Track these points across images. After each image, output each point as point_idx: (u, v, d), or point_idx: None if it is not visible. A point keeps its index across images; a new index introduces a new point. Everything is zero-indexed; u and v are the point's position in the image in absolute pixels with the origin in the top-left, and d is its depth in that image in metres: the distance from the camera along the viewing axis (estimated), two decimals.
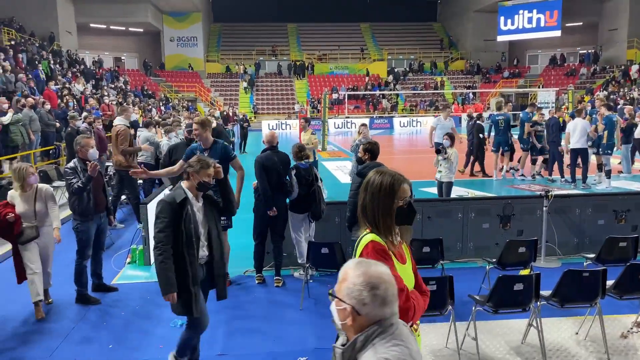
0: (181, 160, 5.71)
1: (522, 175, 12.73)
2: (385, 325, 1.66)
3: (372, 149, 5.46)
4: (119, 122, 8.87)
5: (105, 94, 22.68)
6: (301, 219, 6.35)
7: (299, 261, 6.50)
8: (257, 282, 6.28)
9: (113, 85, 27.17)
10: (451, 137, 8.35)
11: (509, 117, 13.05)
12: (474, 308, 4.28)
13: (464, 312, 4.89)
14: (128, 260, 7.17)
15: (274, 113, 36.82)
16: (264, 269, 6.43)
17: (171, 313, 5.43)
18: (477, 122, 13.39)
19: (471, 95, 38.00)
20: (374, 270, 1.69)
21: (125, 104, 19.71)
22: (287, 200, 6.27)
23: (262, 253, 6.32)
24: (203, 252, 3.99)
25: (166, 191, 7.50)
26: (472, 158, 13.50)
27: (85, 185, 5.51)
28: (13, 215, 5.31)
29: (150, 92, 31.82)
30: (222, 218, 5.19)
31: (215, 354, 4.59)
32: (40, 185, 5.62)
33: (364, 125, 9.78)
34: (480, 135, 13.10)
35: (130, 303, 5.80)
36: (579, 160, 11.45)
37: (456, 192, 10.29)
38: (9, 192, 5.58)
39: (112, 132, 8.90)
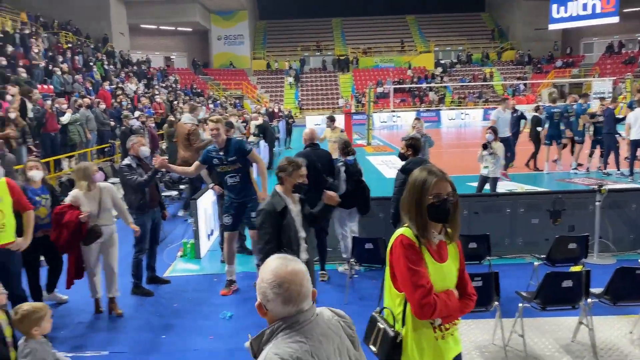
0: (197, 162, 5.90)
1: (587, 169, 12.29)
2: (290, 322, 1.71)
3: (414, 145, 5.43)
4: (187, 120, 8.79)
5: (157, 92, 23.41)
6: (347, 214, 6.39)
7: (344, 256, 6.56)
8: None
9: (163, 84, 27.99)
10: (494, 130, 8.38)
11: (565, 109, 12.59)
12: (521, 305, 4.22)
13: (511, 308, 4.80)
14: (180, 253, 7.42)
15: (318, 108, 36.96)
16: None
17: (221, 305, 5.65)
18: (535, 114, 13.07)
19: (522, 87, 36.91)
20: (284, 268, 1.73)
21: (192, 102, 20.31)
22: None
23: None
24: (304, 255, 3.94)
25: (210, 191, 7.68)
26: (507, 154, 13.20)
27: (150, 179, 5.82)
28: (85, 215, 5.15)
29: (199, 91, 32.58)
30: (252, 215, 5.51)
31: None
32: (102, 183, 5.49)
33: (417, 119, 9.39)
34: (538, 129, 12.72)
35: (182, 295, 6.02)
36: (639, 153, 10.96)
37: (505, 186, 10.07)
38: (71, 193, 5.36)
39: (180, 130, 8.81)
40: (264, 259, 3.52)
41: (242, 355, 4.52)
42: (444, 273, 2.40)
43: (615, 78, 30.09)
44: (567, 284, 3.95)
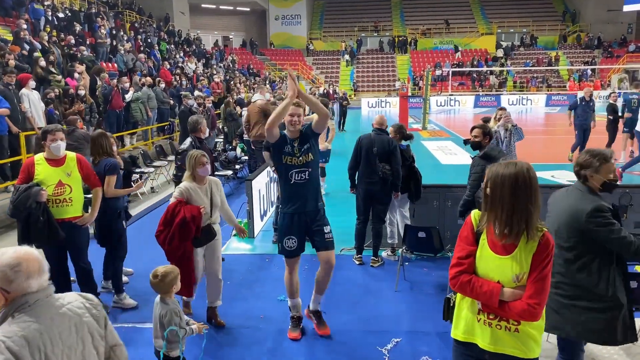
0: (265, 152, 5.90)
1: None
2: (19, 304, 1.82)
3: (490, 132, 5.29)
4: (258, 97, 9.92)
5: (215, 72, 23.83)
6: (398, 199, 6.32)
7: (389, 241, 6.51)
8: (356, 263, 6.36)
9: (221, 64, 28.44)
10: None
11: None
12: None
13: None
14: (233, 232, 7.59)
15: (374, 90, 36.58)
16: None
17: (272, 286, 5.73)
18: (610, 101, 12.53)
19: (589, 72, 35.06)
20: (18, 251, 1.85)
21: (260, 82, 20.57)
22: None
23: (362, 233, 6.38)
24: None
25: (264, 172, 7.79)
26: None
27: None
28: (204, 208, 4.58)
29: (255, 71, 32.92)
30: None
31: (312, 328, 4.77)
32: (211, 177, 4.85)
33: (502, 109, 7.76)
34: (610, 117, 12.15)
35: (234, 274, 6.16)
36: None
37: (566, 176, 9.67)
38: (183, 184, 4.65)
39: (252, 109, 9.70)
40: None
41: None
42: (495, 265, 2.44)
43: None
44: (632, 285, 3.75)
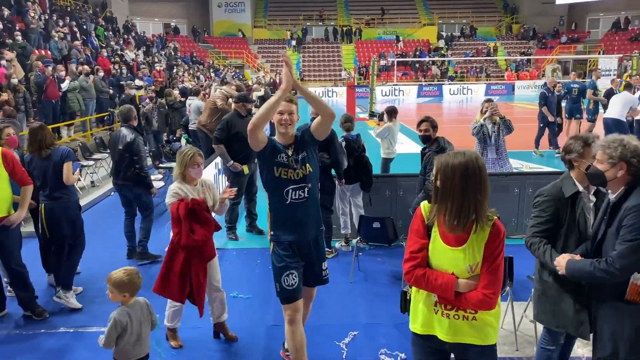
0: (219, 144, 5.79)
1: None
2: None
3: (436, 124, 5.27)
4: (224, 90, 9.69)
5: (156, 60, 23.01)
6: (349, 190, 6.28)
7: (342, 232, 6.47)
8: None
9: (163, 52, 27.51)
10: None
11: (586, 85, 12.27)
12: (533, 289, 4.13)
13: (523, 292, 4.75)
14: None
15: (320, 80, 36.53)
16: None
17: (225, 283, 5.54)
18: (543, 91, 12.73)
19: (526, 62, 36.45)
20: None
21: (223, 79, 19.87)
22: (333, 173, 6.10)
23: None
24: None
25: (210, 166, 7.55)
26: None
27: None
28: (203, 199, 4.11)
29: (199, 59, 32.09)
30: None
31: (268, 324, 4.65)
32: (205, 178, 4.34)
33: (489, 100, 7.15)
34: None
35: None
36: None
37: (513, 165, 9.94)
38: (174, 185, 4.12)
39: (213, 98, 9.53)
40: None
41: (246, 334, 4.47)
42: (448, 257, 2.43)
43: (621, 55, 29.67)
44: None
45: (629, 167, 2.64)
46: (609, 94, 11.47)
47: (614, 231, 2.67)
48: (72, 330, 4.60)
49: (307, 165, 3.39)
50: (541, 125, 11.78)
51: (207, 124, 9.08)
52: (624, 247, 2.57)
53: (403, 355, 4.08)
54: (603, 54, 33.19)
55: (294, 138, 3.44)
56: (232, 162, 6.55)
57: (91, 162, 10.34)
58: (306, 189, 3.37)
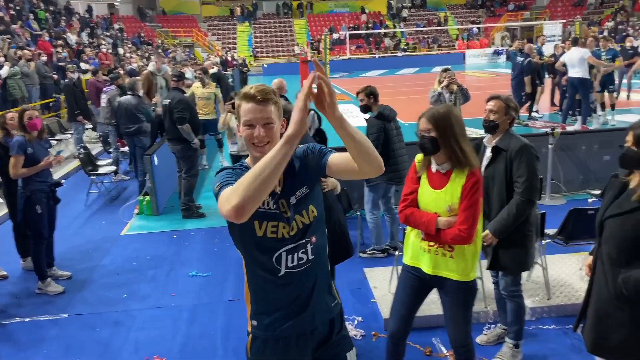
0: (185, 124, 5.69)
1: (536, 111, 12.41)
2: None
3: (374, 92, 5.33)
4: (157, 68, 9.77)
5: (102, 42, 22.21)
6: None
7: None
8: None
9: (108, 34, 26.56)
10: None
11: (617, 53, 12.00)
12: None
13: None
14: (136, 211, 7.24)
15: (274, 56, 36.11)
16: None
17: (181, 262, 5.58)
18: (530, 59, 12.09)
19: (475, 30, 36.99)
20: None
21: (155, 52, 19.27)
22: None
23: None
24: None
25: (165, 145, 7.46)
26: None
27: None
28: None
29: (147, 40, 31.13)
30: None
31: (227, 299, 4.71)
32: None
33: (446, 70, 7.02)
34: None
35: (141, 253, 5.91)
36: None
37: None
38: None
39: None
40: None
41: (206, 311, 4.54)
42: (432, 198, 2.80)
43: (564, 21, 30.51)
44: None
45: None
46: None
47: None
48: (27, 320, 4.55)
49: (311, 207, 2.02)
50: (523, 95, 11.68)
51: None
52: None
53: (360, 319, 4.23)
54: (549, 20, 34.00)
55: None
56: (196, 140, 6.76)
57: None
58: (309, 248, 2.01)
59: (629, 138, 2.40)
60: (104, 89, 9.43)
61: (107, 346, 4.08)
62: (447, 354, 3.73)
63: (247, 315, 2.13)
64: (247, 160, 2.04)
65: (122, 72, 11.98)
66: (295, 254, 1.99)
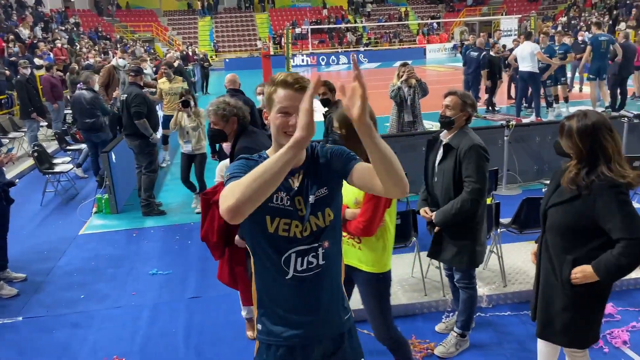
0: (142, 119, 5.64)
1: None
2: None
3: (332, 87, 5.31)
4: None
5: (57, 37, 21.50)
6: None
7: None
8: None
9: (63, 28, 25.74)
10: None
11: (613, 39, 12.03)
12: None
13: (428, 243, 5.05)
14: (94, 210, 7.08)
15: (236, 51, 35.75)
16: None
17: (141, 260, 5.50)
18: (491, 54, 12.44)
19: (435, 25, 37.51)
20: None
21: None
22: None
23: None
24: None
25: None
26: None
27: None
28: None
29: (105, 34, 30.31)
30: None
31: (188, 297, 4.67)
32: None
33: (404, 64, 7.01)
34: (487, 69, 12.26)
35: (100, 252, 5.79)
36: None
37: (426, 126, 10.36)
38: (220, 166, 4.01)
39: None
40: None
41: (167, 309, 4.49)
42: (345, 191, 2.73)
43: (520, 16, 31.25)
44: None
45: None
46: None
47: None
48: None
49: (328, 211, 1.93)
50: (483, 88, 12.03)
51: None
52: None
53: None
54: (505, 15, 34.77)
55: (306, 158, 1.93)
56: (154, 134, 6.64)
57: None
58: (320, 253, 1.91)
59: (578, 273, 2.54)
60: (78, 86, 9.21)
61: (64, 349, 3.99)
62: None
63: (255, 317, 2.09)
64: (269, 151, 1.91)
65: (76, 67, 11.66)
66: (305, 258, 1.89)
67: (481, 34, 14.49)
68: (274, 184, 1.55)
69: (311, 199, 1.88)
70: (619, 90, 11.34)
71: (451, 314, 4.12)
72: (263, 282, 1.96)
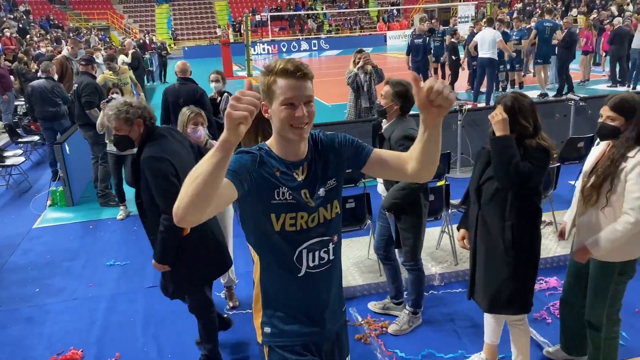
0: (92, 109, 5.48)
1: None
2: None
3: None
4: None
5: (7, 26, 20.67)
6: None
7: None
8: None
9: (12, 16, 24.76)
10: None
11: (558, 24, 12.43)
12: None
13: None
14: (49, 202, 6.93)
15: (194, 38, 35.14)
16: None
17: (98, 252, 5.44)
18: (453, 40, 12.93)
19: (395, 12, 37.76)
20: None
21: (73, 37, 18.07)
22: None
23: None
24: None
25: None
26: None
27: None
28: None
29: (57, 23, 29.31)
30: None
31: (146, 286, 4.66)
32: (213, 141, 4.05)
33: (360, 51, 6.99)
34: (453, 57, 12.78)
35: (55, 245, 5.69)
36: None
37: None
38: None
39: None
40: None
41: (125, 299, 4.47)
42: None
43: (477, 2, 31.74)
44: (430, 197, 4.30)
45: None
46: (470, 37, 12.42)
47: None
48: None
49: (335, 203, 1.88)
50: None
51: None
52: None
53: None
54: (462, 1, 35.24)
55: (308, 149, 1.84)
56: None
57: None
58: (331, 247, 1.88)
59: (497, 111, 2.88)
60: (38, 74, 9.00)
61: (18, 343, 3.94)
62: (362, 322, 3.92)
63: (256, 323, 1.95)
64: (269, 143, 1.80)
65: (24, 57, 11.29)
66: (317, 253, 1.84)
67: (425, 22, 14.70)
68: (207, 190, 1.41)
69: (321, 191, 1.82)
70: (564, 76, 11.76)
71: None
72: (273, 283, 1.88)
